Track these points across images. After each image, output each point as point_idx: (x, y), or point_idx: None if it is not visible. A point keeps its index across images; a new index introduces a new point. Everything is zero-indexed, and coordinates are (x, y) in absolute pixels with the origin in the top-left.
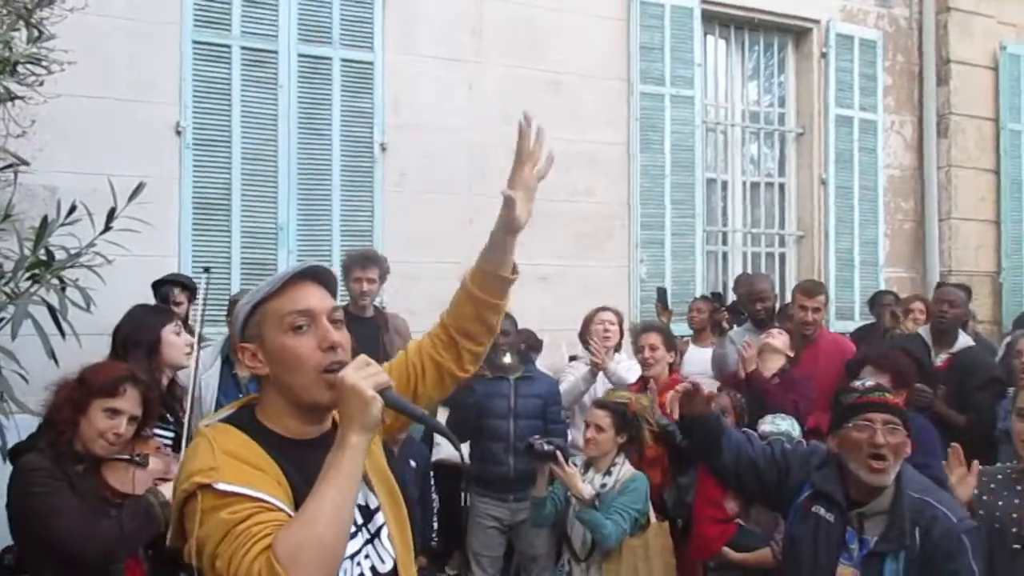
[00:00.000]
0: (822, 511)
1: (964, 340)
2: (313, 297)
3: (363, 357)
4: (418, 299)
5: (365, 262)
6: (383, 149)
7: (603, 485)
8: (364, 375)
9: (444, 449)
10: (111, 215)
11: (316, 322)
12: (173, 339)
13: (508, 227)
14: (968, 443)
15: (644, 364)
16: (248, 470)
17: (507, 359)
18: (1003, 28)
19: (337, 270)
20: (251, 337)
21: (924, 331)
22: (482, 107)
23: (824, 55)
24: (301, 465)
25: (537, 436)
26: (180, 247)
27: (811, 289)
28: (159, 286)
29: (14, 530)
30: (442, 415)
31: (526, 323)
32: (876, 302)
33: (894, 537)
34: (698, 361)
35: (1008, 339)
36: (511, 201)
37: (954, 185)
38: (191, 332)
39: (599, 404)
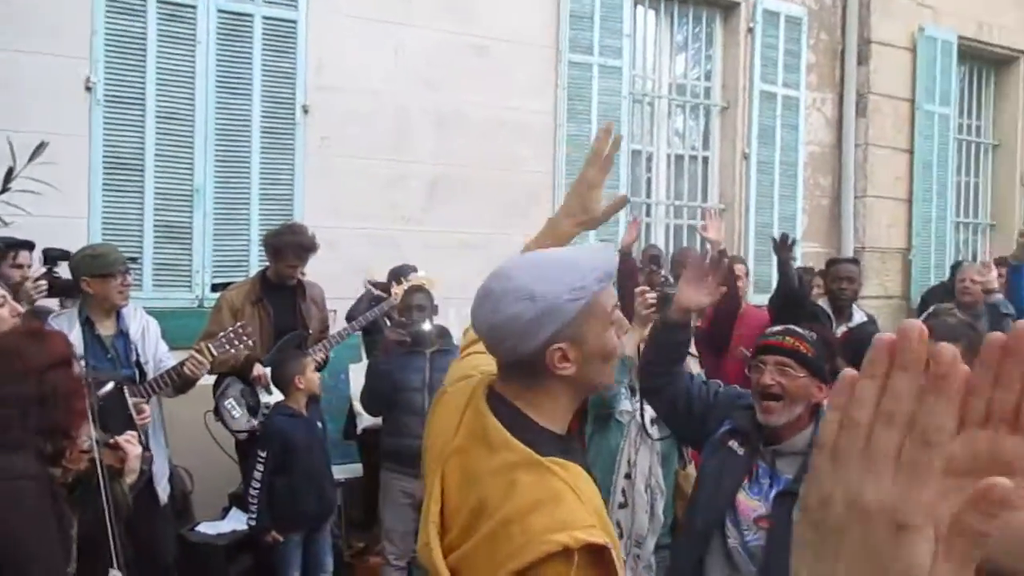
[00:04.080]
0: (735, 445)
1: (859, 315)
2: None
3: None
4: (338, 265)
5: (304, 254)
6: (305, 111)
7: None
8: None
9: (366, 419)
10: (8, 175)
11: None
12: None
13: (585, 221)
14: None
15: None
16: (604, 525)
17: (426, 327)
18: (922, 10)
19: (255, 235)
20: (568, 337)
21: (824, 303)
22: (408, 70)
23: (751, 30)
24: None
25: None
26: (90, 209)
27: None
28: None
29: None
30: (356, 383)
31: (448, 291)
32: None
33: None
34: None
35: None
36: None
37: (870, 163)
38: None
39: None
